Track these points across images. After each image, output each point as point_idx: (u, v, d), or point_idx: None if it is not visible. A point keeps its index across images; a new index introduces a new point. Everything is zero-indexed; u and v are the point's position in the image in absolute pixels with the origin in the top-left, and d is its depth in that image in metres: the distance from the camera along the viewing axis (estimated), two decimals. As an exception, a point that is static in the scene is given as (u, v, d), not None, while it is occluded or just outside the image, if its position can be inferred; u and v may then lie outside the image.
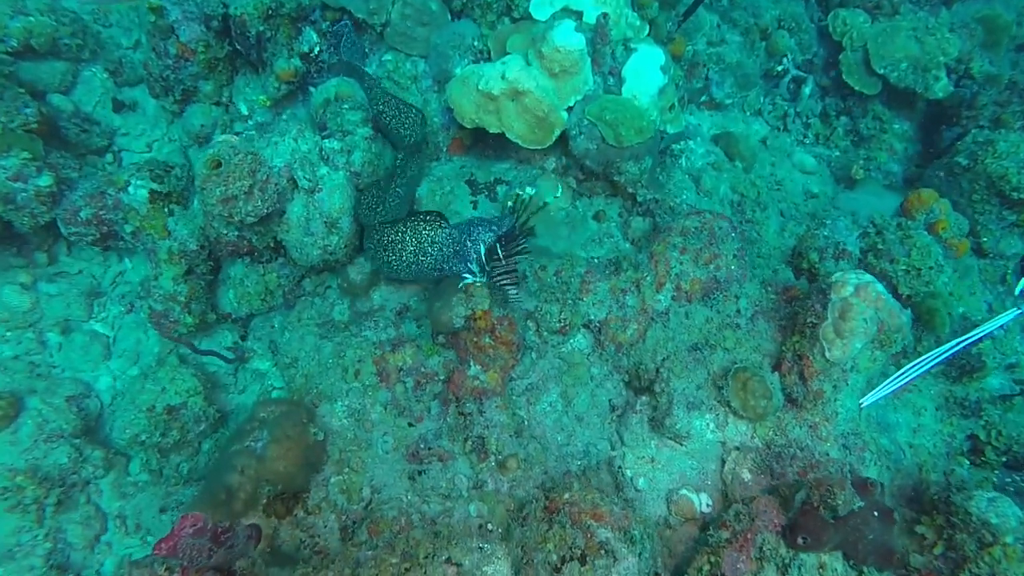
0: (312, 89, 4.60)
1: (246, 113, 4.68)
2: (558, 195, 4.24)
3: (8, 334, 3.89)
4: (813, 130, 5.63)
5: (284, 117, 4.72)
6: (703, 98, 5.37)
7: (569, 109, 4.07)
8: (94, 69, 4.77)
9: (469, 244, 3.28)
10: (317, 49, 4.52)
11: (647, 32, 4.59)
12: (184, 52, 4.28)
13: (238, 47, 4.38)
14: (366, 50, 4.61)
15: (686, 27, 5.18)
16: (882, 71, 5.21)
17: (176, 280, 3.86)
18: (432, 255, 3.34)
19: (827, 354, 3.03)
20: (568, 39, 3.86)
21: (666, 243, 3.65)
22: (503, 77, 3.94)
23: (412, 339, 3.65)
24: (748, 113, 5.53)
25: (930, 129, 5.49)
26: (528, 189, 3.92)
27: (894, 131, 5.48)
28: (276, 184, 3.38)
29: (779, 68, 5.63)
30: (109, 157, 4.72)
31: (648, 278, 3.61)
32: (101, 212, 3.83)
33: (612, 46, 4.15)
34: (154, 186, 3.85)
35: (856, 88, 5.35)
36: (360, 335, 3.63)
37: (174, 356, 3.96)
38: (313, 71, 4.56)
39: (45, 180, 3.87)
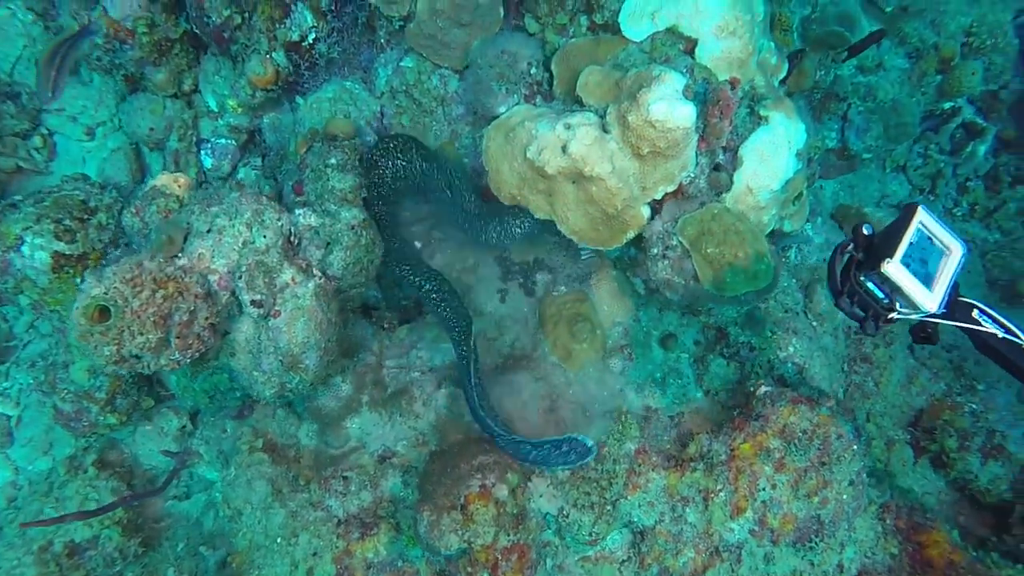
0: (300, 100, 3.33)
1: (216, 110, 3.44)
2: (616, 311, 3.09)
3: None
4: (971, 198, 4.20)
5: (265, 120, 3.49)
6: (831, 144, 3.93)
7: (656, 204, 2.80)
8: (12, 6, 3.47)
9: None
10: (312, 36, 3.17)
11: (784, 75, 3.15)
12: (117, 32, 3.00)
13: (196, 31, 3.07)
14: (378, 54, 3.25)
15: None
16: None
17: (93, 372, 2.91)
18: None
19: None
20: (672, 111, 2.51)
21: (757, 445, 2.58)
22: (565, 150, 2.65)
23: (391, 512, 2.75)
24: (888, 170, 4.09)
25: None
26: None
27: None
28: (208, 318, 2.30)
29: (947, 105, 4.10)
30: (37, 141, 3.59)
31: (722, 494, 2.57)
32: (-15, 277, 2.81)
33: (734, 116, 2.78)
34: (60, 247, 2.78)
35: (1055, 155, 3.86)
36: (323, 505, 2.71)
37: (93, 453, 3.12)
38: (304, 68, 3.24)
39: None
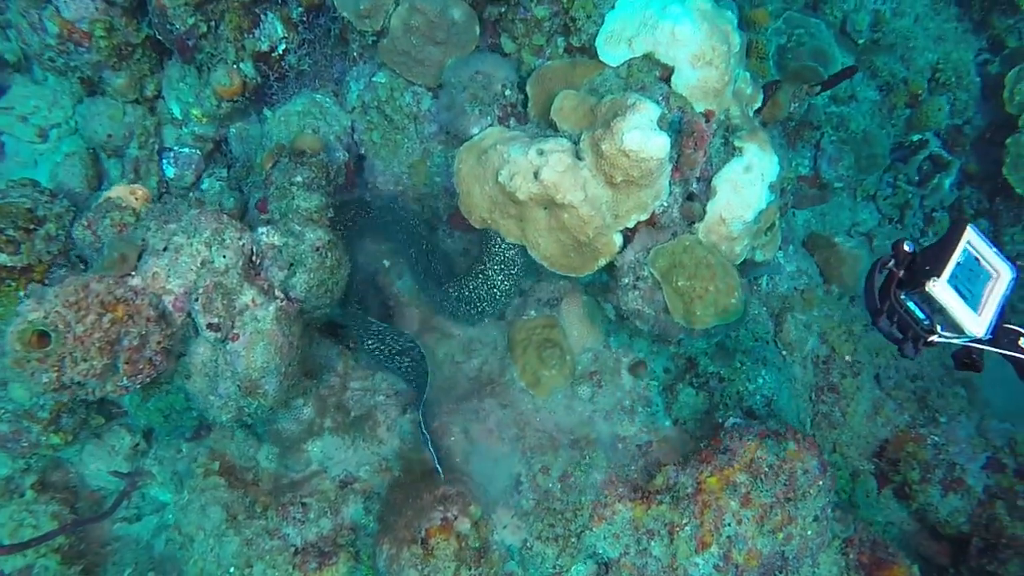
0: (268, 112, 3.23)
1: (180, 117, 3.32)
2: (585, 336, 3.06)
3: None
4: (936, 228, 4.27)
5: (232, 130, 3.37)
6: (804, 171, 3.97)
7: (628, 232, 2.78)
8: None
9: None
10: (282, 47, 3.09)
11: (759, 105, 3.15)
12: (71, 33, 2.86)
13: (159, 37, 2.96)
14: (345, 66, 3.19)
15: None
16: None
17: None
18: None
19: None
20: (646, 141, 2.48)
21: (723, 479, 2.55)
22: (536, 176, 2.61)
23: (351, 540, 2.66)
24: (859, 199, 4.14)
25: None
26: None
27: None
28: (160, 342, 2.20)
29: (915, 138, 4.17)
30: (-16, 143, 3.43)
31: (688, 528, 2.54)
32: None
33: (708, 146, 2.77)
34: (1, 259, 2.64)
35: (1017, 190, 3.93)
36: (280, 533, 2.61)
37: (33, 474, 2.96)
38: (273, 79, 3.15)
39: None
